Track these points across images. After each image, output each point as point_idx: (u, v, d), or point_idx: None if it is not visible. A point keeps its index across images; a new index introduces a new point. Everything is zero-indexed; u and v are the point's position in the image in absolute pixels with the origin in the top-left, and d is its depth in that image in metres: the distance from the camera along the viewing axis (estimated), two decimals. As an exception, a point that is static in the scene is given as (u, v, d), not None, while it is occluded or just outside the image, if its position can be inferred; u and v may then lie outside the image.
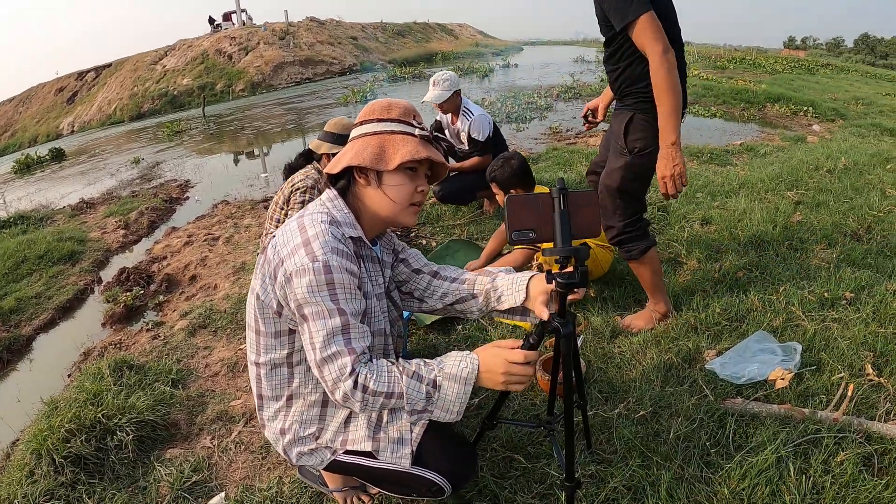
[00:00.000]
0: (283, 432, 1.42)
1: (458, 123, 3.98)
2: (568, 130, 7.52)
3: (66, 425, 2.02)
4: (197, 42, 29.37)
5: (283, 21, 31.01)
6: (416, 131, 1.33)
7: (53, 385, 2.86)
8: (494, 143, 3.98)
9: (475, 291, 1.50)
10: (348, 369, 1.19)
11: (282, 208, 2.81)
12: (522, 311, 1.47)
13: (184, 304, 3.58)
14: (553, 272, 1.17)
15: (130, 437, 2.04)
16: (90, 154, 13.11)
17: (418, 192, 1.36)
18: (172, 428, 2.21)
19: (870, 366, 2.15)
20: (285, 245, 1.24)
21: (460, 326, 2.71)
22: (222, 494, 1.85)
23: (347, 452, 1.40)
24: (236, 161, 9.11)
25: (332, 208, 1.33)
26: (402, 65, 24.22)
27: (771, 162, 5.16)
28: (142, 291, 3.85)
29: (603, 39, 2.20)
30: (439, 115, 4.16)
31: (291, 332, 1.33)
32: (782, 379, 1.98)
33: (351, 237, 1.29)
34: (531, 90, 11.79)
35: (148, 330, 3.20)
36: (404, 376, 1.23)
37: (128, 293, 3.74)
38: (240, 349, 2.74)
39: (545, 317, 1.21)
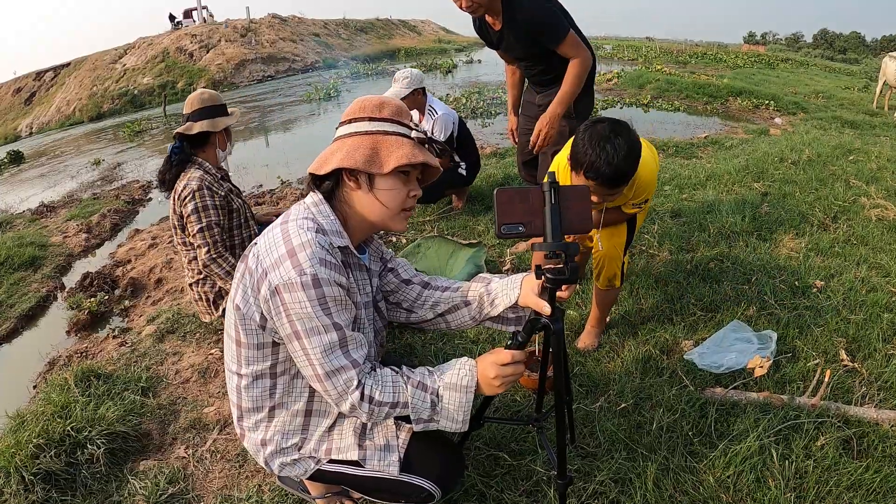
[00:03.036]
0: (264, 443, 1.35)
1: (424, 123, 3.92)
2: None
3: (35, 440, 1.92)
4: (157, 40, 28.58)
5: (244, 18, 30.42)
6: (413, 133, 1.25)
7: (19, 397, 2.69)
8: (460, 142, 3.94)
9: (468, 298, 1.43)
10: (354, 382, 1.16)
11: (183, 238, 2.48)
12: (516, 319, 1.42)
13: (150, 308, 3.43)
14: (542, 267, 1.14)
15: (101, 450, 1.94)
16: (50, 156, 12.57)
17: (410, 197, 1.28)
18: (145, 438, 2.12)
19: (843, 351, 2.19)
20: (268, 254, 1.16)
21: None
22: None
23: (333, 461, 1.34)
24: None
25: (317, 214, 1.23)
26: (365, 61, 23.99)
27: (736, 154, 5.26)
28: (106, 297, 3.67)
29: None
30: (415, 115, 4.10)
31: (275, 344, 1.26)
32: (761, 367, 2.00)
33: (339, 247, 1.21)
34: (496, 85, 11.80)
35: (114, 337, 3.06)
36: (409, 386, 1.20)
37: (92, 299, 3.56)
38: (210, 354, 2.64)
39: (546, 310, 1.17)
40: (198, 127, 2.43)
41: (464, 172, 3.94)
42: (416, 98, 3.80)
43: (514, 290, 1.33)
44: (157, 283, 3.88)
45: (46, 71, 31.89)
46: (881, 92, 8.41)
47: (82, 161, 10.19)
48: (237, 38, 26.93)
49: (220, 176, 2.51)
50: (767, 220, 3.48)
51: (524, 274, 1.33)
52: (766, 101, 8.18)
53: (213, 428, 2.14)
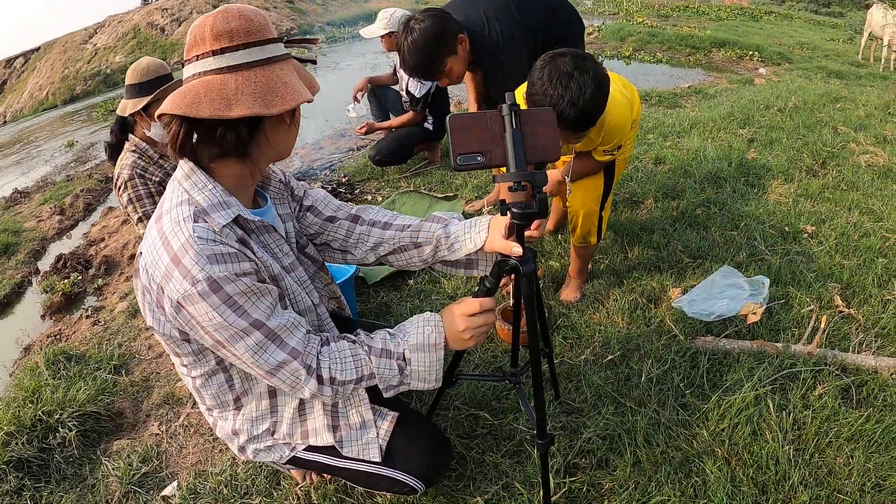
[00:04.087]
0: (235, 433, 1.23)
1: (402, 71, 3.65)
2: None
3: (5, 428, 1.85)
4: (127, 17, 27.44)
5: None
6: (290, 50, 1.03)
7: (-4, 388, 2.54)
8: (436, 98, 3.69)
9: (419, 240, 1.26)
10: (302, 373, 1.03)
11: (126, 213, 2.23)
12: (467, 262, 1.29)
13: (123, 285, 3.30)
14: (507, 202, 0.98)
15: (73, 432, 1.86)
16: (24, 143, 12.06)
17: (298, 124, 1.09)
18: (118, 418, 2.02)
19: (838, 297, 2.07)
20: (155, 266, 0.97)
21: (412, 281, 2.48)
22: (174, 484, 1.69)
23: (309, 449, 1.23)
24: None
25: (190, 189, 1.01)
26: (341, 25, 23.17)
27: (720, 102, 5.08)
28: (80, 277, 3.56)
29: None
30: (396, 60, 3.81)
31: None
32: (754, 314, 1.87)
33: (226, 224, 1.00)
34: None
35: (87, 316, 2.94)
36: (372, 356, 1.08)
37: (65, 280, 3.46)
38: None
39: (517, 251, 1.01)
40: (120, 107, 2.10)
41: (430, 127, 3.72)
42: (393, 40, 3.53)
43: (479, 234, 1.17)
44: (130, 258, 3.79)
45: (17, 57, 30.84)
46: (866, 43, 8.25)
47: (56, 145, 9.84)
48: (209, 9, 25.85)
49: (157, 156, 2.20)
50: (755, 165, 3.34)
51: (489, 217, 1.18)
52: (750, 52, 7.97)
53: (187, 402, 2.04)
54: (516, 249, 1.03)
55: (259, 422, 1.22)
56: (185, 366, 1.14)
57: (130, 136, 2.17)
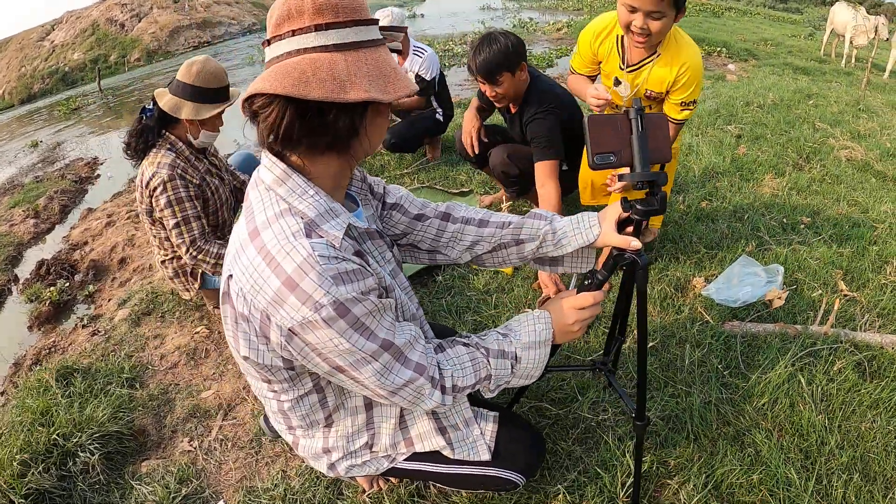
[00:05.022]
0: (327, 451, 1.18)
1: (406, 63, 3.73)
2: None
3: (18, 456, 1.68)
4: (85, 13, 26.28)
5: None
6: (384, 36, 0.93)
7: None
8: (443, 98, 3.79)
9: (522, 237, 1.24)
10: (427, 387, 0.99)
11: (150, 220, 2.14)
12: (552, 260, 1.28)
13: (119, 290, 3.15)
14: (630, 199, 1.09)
15: (96, 456, 1.73)
16: None
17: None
18: (141, 436, 1.92)
19: (842, 282, 2.29)
20: (258, 291, 0.86)
21: (440, 277, 2.58)
22: (221, 503, 1.62)
23: (412, 457, 1.20)
24: None
25: (287, 196, 0.90)
26: (305, 19, 22.87)
27: (703, 99, 5.34)
28: (67, 284, 3.36)
29: None
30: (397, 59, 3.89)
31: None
32: (779, 298, 2.06)
33: (340, 235, 0.91)
34: (445, 38, 11.45)
35: (84, 326, 2.78)
36: (490, 358, 1.08)
37: (52, 288, 3.25)
38: (196, 332, 2.44)
39: (636, 245, 1.10)
40: (171, 105, 1.99)
41: (441, 118, 3.81)
42: (405, 39, 3.61)
43: (591, 230, 1.18)
44: (120, 262, 3.60)
45: (-30, 58, 28.94)
46: (828, 40, 8.72)
47: (18, 145, 9.42)
48: (170, 5, 25.12)
49: (194, 157, 2.16)
50: (746, 160, 3.57)
51: (592, 213, 1.23)
52: (718, 49, 8.32)
53: (216, 414, 1.97)
54: (635, 243, 1.09)
55: (356, 437, 1.16)
56: (275, 391, 1.06)
57: (167, 133, 2.09)
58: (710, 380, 1.80)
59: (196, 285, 2.30)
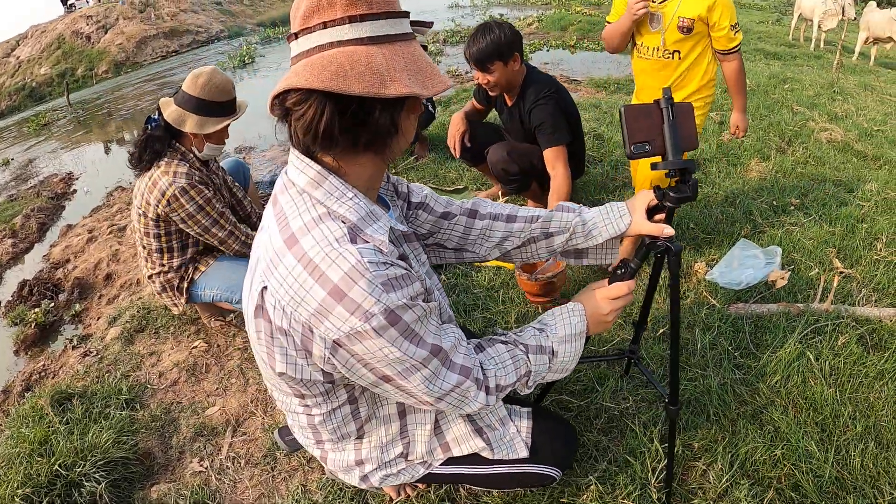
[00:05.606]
0: (360, 463, 1.15)
1: None
2: (467, 72, 7.40)
3: (20, 491, 1.61)
4: (51, 27, 25.65)
5: None
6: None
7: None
8: None
9: (552, 230, 1.23)
10: (472, 389, 0.97)
11: (157, 233, 2.08)
12: (577, 252, 1.29)
13: (107, 308, 3.05)
14: (662, 188, 1.10)
15: (102, 484, 1.65)
16: None
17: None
18: (147, 459, 1.85)
19: (836, 260, 2.36)
20: (301, 303, 0.82)
21: (443, 276, 2.60)
22: None
23: (448, 462, 1.19)
24: (119, 143, 8.07)
25: (324, 199, 0.86)
26: (273, 25, 22.62)
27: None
28: (52, 304, 3.25)
29: None
30: None
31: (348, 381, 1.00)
32: (782, 279, 2.13)
33: (386, 239, 0.88)
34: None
35: (74, 347, 2.67)
36: (529, 354, 1.07)
37: (36, 309, 3.14)
38: (193, 347, 2.38)
39: (669, 233, 1.12)
40: (175, 117, 1.96)
41: (432, 108, 3.82)
42: None
43: (622, 219, 1.18)
44: (106, 279, 3.49)
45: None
46: (796, 25, 8.92)
47: None
48: (136, 15, 24.71)
49: (205, 170, 2.15)
50: (731, 146, 3.65)
51: (620, 203, 1.24)
52: (691, 37, 8.47)
53: (224, 431, 1.91)
54: (668, 230, 1.10)
55: (390, 447, 1.14)
56: (307, 405, 1.02)
57: (176, 144, 2.05)
58: (723, 362, 1.84)
59: (183, 300, 2.24)
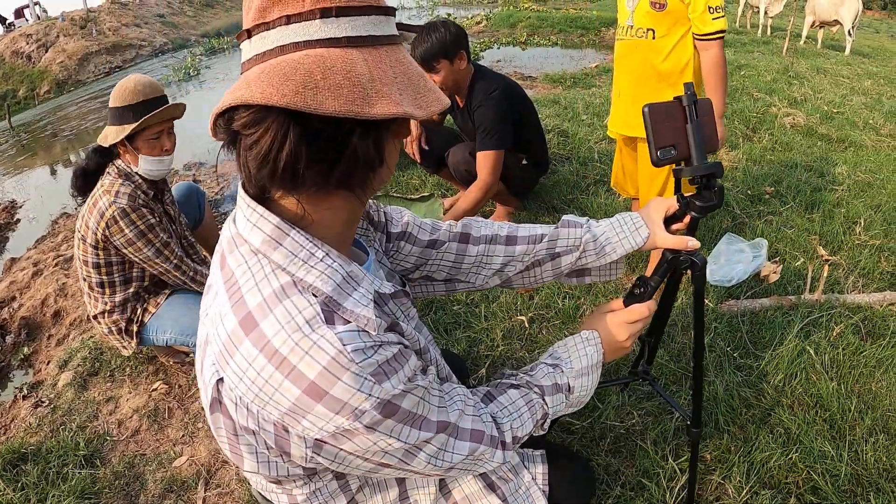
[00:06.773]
0: None
1: None
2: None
3: None
4: None
5: (81, 8, 26.95)
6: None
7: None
8: None
9: (558, 249, 1.07)
10: (488, 452, 0.83)
11: (96, 262, 1.91)
12: (579, 271, 1.14)
13: (57, 350, 2.78)
14: (686, 195, 0.98)
15: None
16: None
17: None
18: None
19: (820, 248, 2.36)
20: (268, 401, 0.63)
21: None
22: None
23: None
24: (65, 165, 7.71)
25: (286, 263, 0.66)
26: (218, 35, 22.25)
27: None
28: None
29: None
30: None
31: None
32: (774, 272, 2.10)
33: (372, 313, 0.68)
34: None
35: (24, 397, 2.40)
36: (546, 396, 0.95)
37: None
38: (153, 390, 2.18)
39: (694, 245, 0.99)
40: (101, 137, 1.83)
41: None
42: None
43: (638, 232, 1.02)
44: (55, 316, 3.21)
45: None
46: (742, 12, 9.16)
47: None
48: (77, 32, 23.87)
49: (152, 194, 1.95)
50: (700, 138, 3.66)
51: (634, 213, 1.08)
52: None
53: (195, 484, 1.74)
54: (693, 243, 0.98)
55: None
56: (287, 489, 0.82)
57: (113, 163, 1.88)
58: (724, 365, 1.80)
59: (133, 343, 2.05)
